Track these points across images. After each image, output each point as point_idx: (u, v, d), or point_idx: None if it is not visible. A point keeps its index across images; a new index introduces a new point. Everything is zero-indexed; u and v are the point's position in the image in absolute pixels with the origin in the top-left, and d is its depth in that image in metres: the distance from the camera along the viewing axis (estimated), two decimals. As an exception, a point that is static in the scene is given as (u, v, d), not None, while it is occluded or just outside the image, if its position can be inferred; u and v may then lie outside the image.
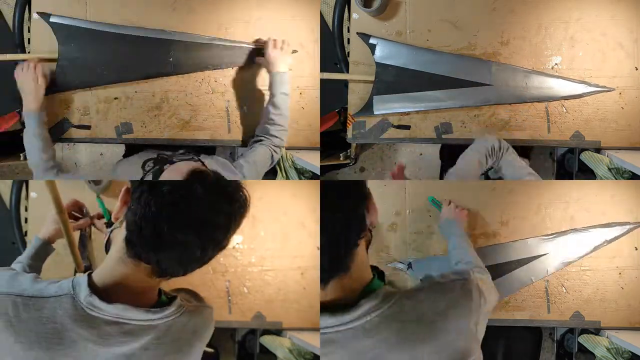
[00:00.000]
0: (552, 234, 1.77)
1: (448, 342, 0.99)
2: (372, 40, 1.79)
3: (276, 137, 1.71)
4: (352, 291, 0.97)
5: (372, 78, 1.79)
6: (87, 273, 1.00)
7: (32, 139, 1.64)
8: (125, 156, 2.03)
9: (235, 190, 0.96)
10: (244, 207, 0.97)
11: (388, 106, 1.79)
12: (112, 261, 0.98)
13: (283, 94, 1.72)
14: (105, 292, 0.97)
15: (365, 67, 1.81)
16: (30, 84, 1.65)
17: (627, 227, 1.77)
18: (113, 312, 0.95)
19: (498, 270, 1.76)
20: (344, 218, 0.91)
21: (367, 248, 1.01)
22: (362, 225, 0.94)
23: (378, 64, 1.79)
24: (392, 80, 1.79)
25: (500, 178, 1.70)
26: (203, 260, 0.97)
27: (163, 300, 1.06)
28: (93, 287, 0.97)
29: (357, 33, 1.80)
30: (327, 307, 0.96)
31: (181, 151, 1.66)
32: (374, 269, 1.02)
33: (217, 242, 0.96)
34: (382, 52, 1.79)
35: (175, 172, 1.28)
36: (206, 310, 1.13)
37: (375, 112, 1.79)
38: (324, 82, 1.81)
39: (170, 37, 1.78)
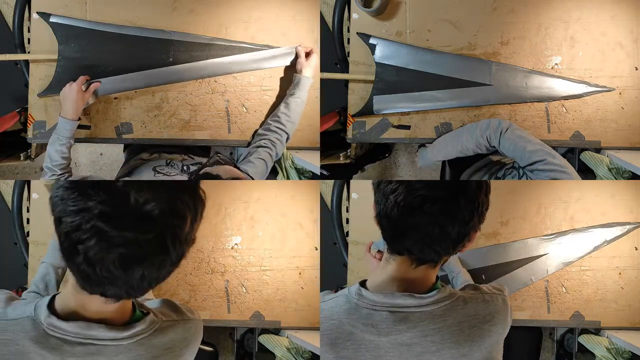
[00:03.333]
0: (552, 234, 1.77)
1: (490, 345, 1.10)
2: (372, 40, 1.79)
3: (276, 132, 1.72)
4: (425, 282, 1.09)
5: (372, 78, 1.79)
6: (51, 296, 0.98)
7: (59, 146, 1.65)
8: (124, 158, 2.03)
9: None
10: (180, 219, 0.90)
11: (388, 106, 1.79)
12: (70, 286, 0.95)
13: (298, 98, 1.74)
14: (70, 315, 0.94)
15: (365, 67, 1.81)
16: (73, 94, 1.67)
17: (627, 227, 1.76)
18: (74, 331, 0.92)
19: (498, 270, 1.76)
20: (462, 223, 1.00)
21: None
22: (463, 239, 1.03)
23: (378, 64, 1.79)
24: (392, 80, 1.78)
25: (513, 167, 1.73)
26: (158, 278, 0.90)
27: (137, 316, 1.01)
28: (53, 309, 0.95)
29: (357, 33, 1.80)
30: (408, 288, 1.07)
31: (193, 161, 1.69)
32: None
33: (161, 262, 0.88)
34: (382, 52, 1.78)
35: None
36: (187, 324, 1.08)
37: (375, 112, 1.79)
38: (324, 82, 1.81)
39: (170, 37, 1.78)
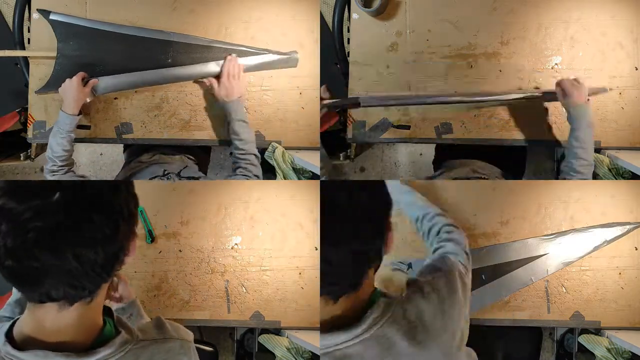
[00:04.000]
0: (552, 234, 1.77)
1: (450, 334, 1.07)
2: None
3: (243, 159, 1.72)
4: (358, 305, 1.00)
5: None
6: (12, 321, 0.90)
7: (61, 139, 1.67)
8: (124, 159, 2.03)
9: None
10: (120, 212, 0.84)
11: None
12: (27, 309, 0.88)
13: (240, 121, 1.73)
14: (29, 342, 0.87)
15: (366, 68, 1.81)
16: (73, 88, 1.69)
17: (627, 227, 1.76)
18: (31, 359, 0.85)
19: (498, 270, 1.76)
20: (360, 243, 0.91)
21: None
22: (379, 253, 0.96)
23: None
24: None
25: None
26: (99, 272, 0.83)
27: (106, 334, 0.92)
28: (11, 336, 0.87)
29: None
30: (336, 324, 0.98)
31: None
32: None
33: (103, 251, 0.82)
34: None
35: None
36: (167, 344, 0.98)
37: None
38: (323, 82, 1.80)
39: (169, 38, 1.78)
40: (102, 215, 0.81)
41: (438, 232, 1.51)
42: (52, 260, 0.78)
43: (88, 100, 1.74)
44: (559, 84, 1.67)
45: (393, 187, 1.68)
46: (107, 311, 0.95)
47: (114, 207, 0.83)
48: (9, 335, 0.87)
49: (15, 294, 1.31)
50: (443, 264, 1.16)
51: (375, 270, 1.00)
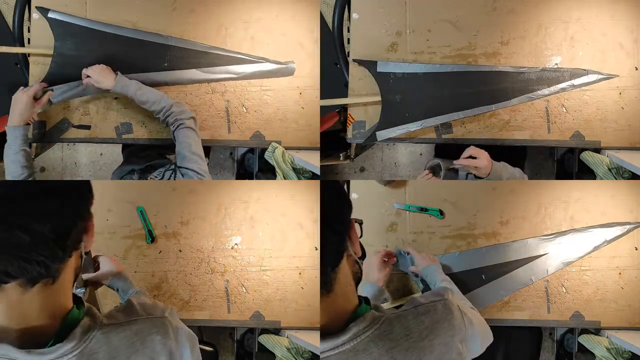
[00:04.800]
0: (552, 234, 1.77)
1: (436, 358, 1.04)
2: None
3: (171, 119, 1.65)
4: (340, 316, 0.99)
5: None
6: None
7: (14, 156, 1.58)
8: (123, 158, 2.04)
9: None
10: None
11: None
12: None
13: (138, 91, 1.66)
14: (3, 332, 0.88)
15: (365, 68, 1.81)
16: (23, 101, 1.61)
17: (627, 227, 1.76)
18: None
19: (498, 270, 1.76)
20: (327, 238, 0.93)
21: (355, 278, 1.03)
22: (340, 248, 0.96)
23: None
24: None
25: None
26: (52, 247, 0.85)
27: (71, 318, 0.92)
28: None
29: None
30: (321, 333, 0.99)
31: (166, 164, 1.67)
32: (361, 297, 1.05)
33: (51, 225, 0.84)
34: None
35: None
36: (136, 325, 0.97)
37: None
38: (323, 82, 1.81)
39: (167, 42, 1.78)
40: (50, 190, 0.84)
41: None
42: (0, 233, 0.80)
43: (39, 111, 1.68)
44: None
45: (435, 269, 1.67)
46: (78, 301, 0.96)
47: (62, 184, 0.87)
48: None
49: None
50: (444, 293, 1.15)
51: (356, 278, 1.02)
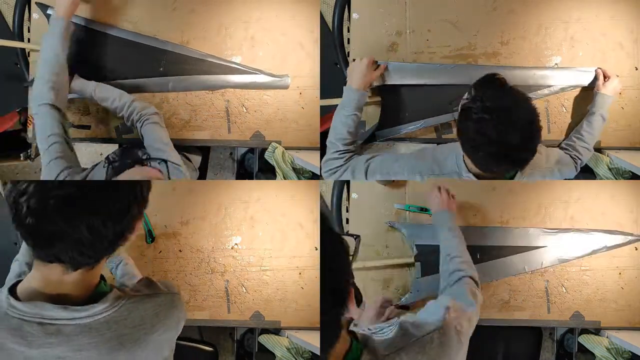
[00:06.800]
0: (554, 229, 1.77)
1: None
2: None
3: (135, 115, 1.65)
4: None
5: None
6: (15, 280, 1.00)
7: (54, 41, 1.59)
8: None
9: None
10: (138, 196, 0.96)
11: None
12: (33, 267, 0.98)
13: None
14: (31, 294, 0.96)
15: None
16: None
17: (629, 237, 1.76)
18: (31, 311, 0.94)
19: (494, 252, 1.76)
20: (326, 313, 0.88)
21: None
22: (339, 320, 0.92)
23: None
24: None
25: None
26: (106, 246, 0.94)
27: (100, 290, 1.01)
28: (13, 291, 0.97)
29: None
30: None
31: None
32: (349, 333, 1.01)
33: (113, 227, 0.92)
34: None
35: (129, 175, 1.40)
36: (159, 298, 1.07)
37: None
38: (323, 82, 1.81)
39: (164, 47, 1.78)
40: (118, 193, 0.93)
41: (450, 274, 1.51)
42: (66, 227, 0.88)
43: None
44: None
45: (442, 216, 1.68)
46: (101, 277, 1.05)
47: (128, 188, 0.94)
48: (12, 290, 0.97)
49: (13, 270, 1.40)
50: (440, 318, 1.09)
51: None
